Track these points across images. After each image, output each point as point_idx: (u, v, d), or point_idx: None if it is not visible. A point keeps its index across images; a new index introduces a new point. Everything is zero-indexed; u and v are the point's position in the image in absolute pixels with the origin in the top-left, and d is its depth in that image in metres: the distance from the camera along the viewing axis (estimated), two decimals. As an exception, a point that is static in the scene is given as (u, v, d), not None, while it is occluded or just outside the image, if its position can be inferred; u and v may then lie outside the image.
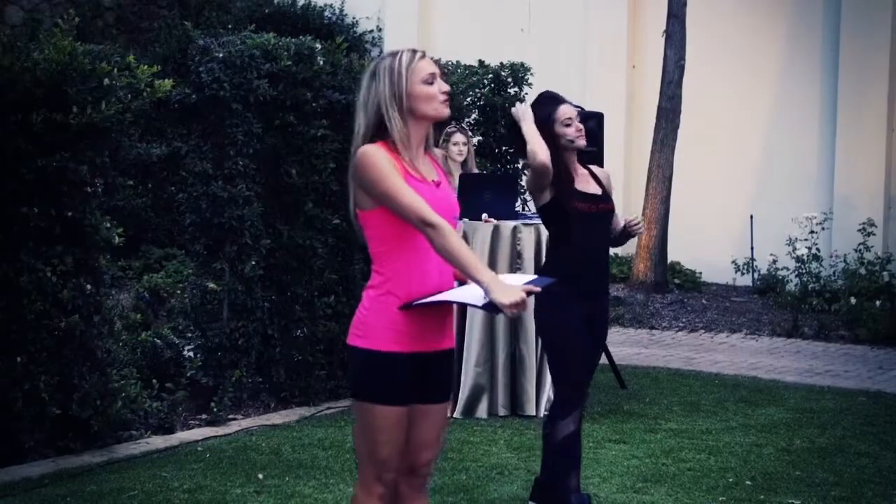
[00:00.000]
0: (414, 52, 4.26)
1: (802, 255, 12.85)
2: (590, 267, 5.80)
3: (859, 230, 13.43)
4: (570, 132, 5.78)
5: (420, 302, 4.15)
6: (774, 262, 13.94)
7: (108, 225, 7.11)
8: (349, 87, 8.68)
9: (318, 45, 8.66)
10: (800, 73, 14.93)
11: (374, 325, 4.16)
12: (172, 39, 13.53)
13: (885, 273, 13.11)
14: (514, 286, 4.01)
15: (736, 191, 15.07)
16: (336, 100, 8.58)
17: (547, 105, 5.85)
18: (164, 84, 7.24)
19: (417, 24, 16.88)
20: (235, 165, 8.18)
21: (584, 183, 5.87)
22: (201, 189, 8.20)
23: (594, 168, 6.03)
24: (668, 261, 14.55)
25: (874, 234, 13.50)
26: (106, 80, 6.87)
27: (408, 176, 4.15)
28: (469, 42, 15.05)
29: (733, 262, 14.37)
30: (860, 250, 13.34)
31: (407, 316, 4.15)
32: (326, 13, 16.69)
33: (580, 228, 5.75)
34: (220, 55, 8.12)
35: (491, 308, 4.01)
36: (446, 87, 4.26)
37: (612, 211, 5.92)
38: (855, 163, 14.40)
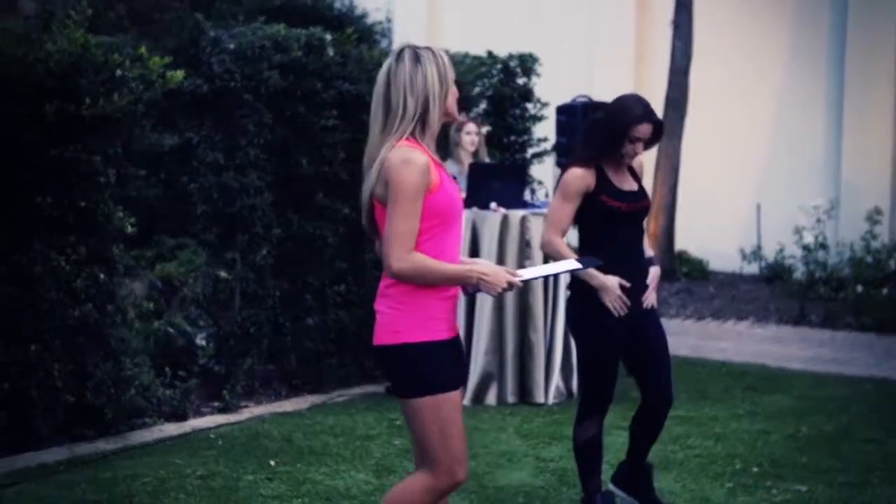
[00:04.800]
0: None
1: (809, 243, 12.89)
2: (629, 267, 5.59)
3: (866, 219, 13.46)
4: (629, 149, 5.52)
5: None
6: (781, 250, 13.98)
7: (121, 214, 7.16)
8: (359, 78, 8.72)
9: (329, 36, 8.70)
10: (807, 61, 14.94)
11: (416, 318, 4.17)
12: (184, 31, 13.53)
13: (891, 261, 13.14)
14: (498, 268, 4.21)
15: (743, 179, 15.10)
16: (346, 90, 8.62)
17: (633, 111, 5.50)
18: (175, 75, 7.27)
19: (427, 14, 16.91)
20: (246, 156, 8.23)
21: (621, 178, 5.63)
22: (213, 179, 8.25)
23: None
24: (676, 249, 14.58)
25: (880, 223, 13.52)
26: (118, 72, 6.91)
27: (439, 168, 4.20)
28: (478, 32, 15.09)
29: (740, 250, 14.41)
30: (867, 238, 13.36)
31: (443, 303, 4.20)
32: (336, 4, 16.67)
33: (617, 228, 5.58)
34: (232, 46, 8.17)
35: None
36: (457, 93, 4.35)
37: (648, 207, 5.72)
38: (862, 151, 14.42)
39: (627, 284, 5.52)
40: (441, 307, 4.21)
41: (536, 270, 4.58)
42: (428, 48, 4.28)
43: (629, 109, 5.52)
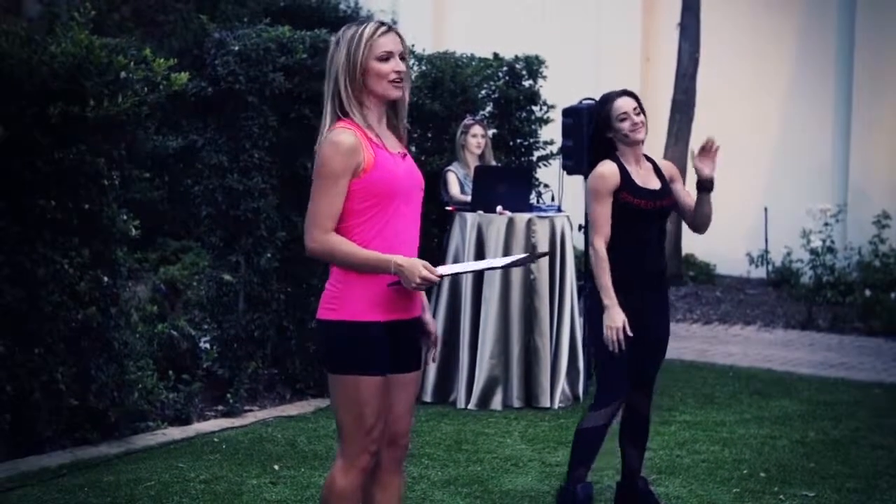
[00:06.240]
0: (380, 25, 4.24)
1: (817, 247, 12.84)
2: (646, 265, 5.68)
3: (874, 222, 13.42)
4: (625, 126, 5.67)
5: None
6: (789, 254, 13.93)
7: (125, 217, 7.16)
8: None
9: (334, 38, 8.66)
10: (814, 64, 14.90)
11: (351, 297, 4.16)
12: (188, 33, 13.56)
13: (899, 265, 13.11)
14: (416, 261, 4.09)
15: (750, 183, 15.05)
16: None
17: (606, 103, 5.76)
18: (180, 77, 7.24)
19: (432, 16, 16.89)
20: (251, 158, 8.21)
21: (645, 178, 5.73)
22: (217, 182, 8.23)
23: (659, 161, 5.90)
24: (683, 253, 14.54)
25: (889, 227, 13.48)
26: (122, 74, 6.88)
27: (376, 148, 4.16)
28: (483, 34, 15.05)
29: (747, 254, 14.35)
30: (875, 243, 13.32)
31: (382, 285, 4.16)
32: (341, 6, 16.66)
33: (639, 226, 5.66)
34: (236, 48, 8.15)
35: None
36: (401, 67, 4.22)
37: (669, 207, 5.77)
38: (870, 155, 14.38)
39: (630, 334, 5.57)
40: (382, 288, 4.17)
41: (459, 267, 4.60)
42: (356, 23, 4.26)
43: (603, 98, 5.82)
